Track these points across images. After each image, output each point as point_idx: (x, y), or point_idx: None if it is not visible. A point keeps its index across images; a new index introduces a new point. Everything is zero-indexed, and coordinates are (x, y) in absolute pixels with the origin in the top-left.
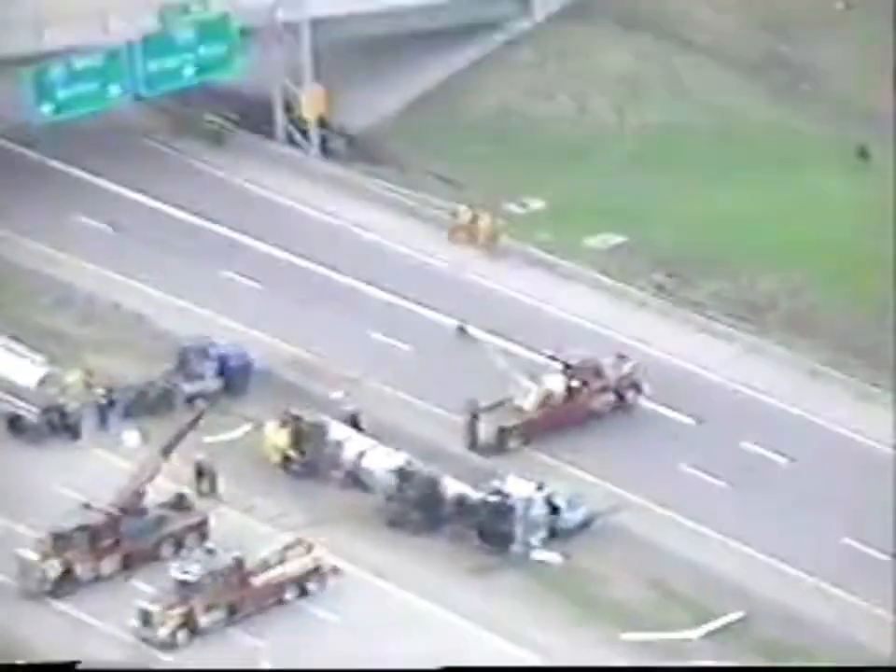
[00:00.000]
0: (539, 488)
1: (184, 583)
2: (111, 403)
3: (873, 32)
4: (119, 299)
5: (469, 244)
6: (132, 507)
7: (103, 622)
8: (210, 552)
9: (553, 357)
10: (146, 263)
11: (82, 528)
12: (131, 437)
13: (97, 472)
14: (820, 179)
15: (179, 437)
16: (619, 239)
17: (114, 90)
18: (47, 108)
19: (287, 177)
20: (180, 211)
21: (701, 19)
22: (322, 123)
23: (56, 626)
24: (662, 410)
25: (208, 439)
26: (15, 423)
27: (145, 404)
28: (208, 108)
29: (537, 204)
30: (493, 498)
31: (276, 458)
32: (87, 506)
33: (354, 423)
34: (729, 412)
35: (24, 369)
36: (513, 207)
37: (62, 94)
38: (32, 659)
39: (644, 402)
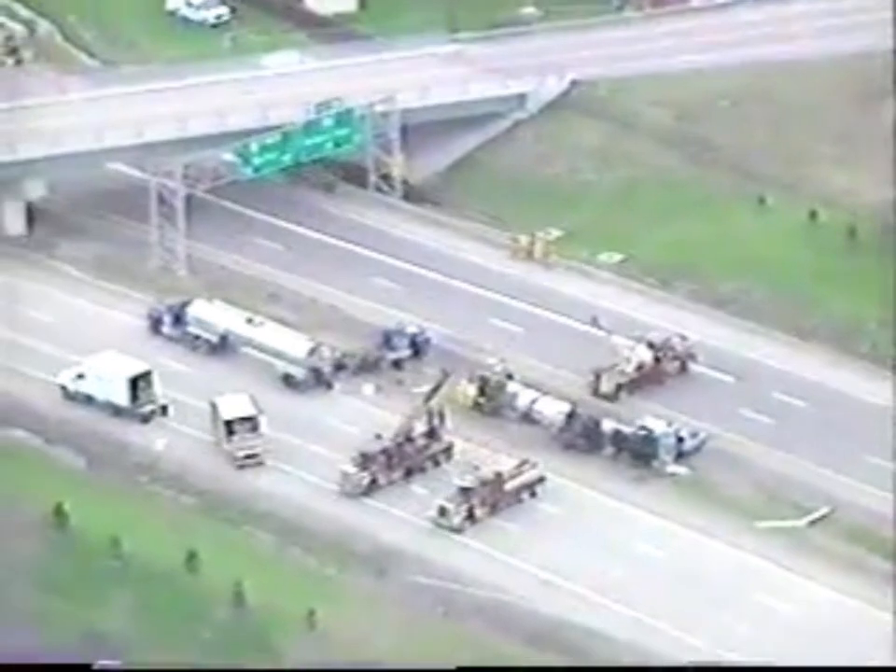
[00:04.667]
0: (669, 424)
1: (464, 489)
2: (343, 366)
3: (752, 118)
4: (313, 295)
5: (528, 260)
6: (407, 436)
7: (399, 510)
8: (476, 467)
9: (639, 338)
10: (313, 270)
11: (382, 451)
12: (367, 388)
13: (346, 411)
14: (734, 217)
15: (435, 390)
16: (619, 256)
17: (287, 158)
18: (248, 170)
19: (377, 213)
20: (319, 234)
21: (640, 112)
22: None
23: (369, 515)
24: (710, 372)
25: (416, 389)
26: (288, 379)
27: (364, 366)
28: (324, 170)
29: (556, 233)
30: (641, 432)
31: (467, 404)
32: (378, 436)
33: (509, 379)
34: (757, 374)
35: (294, 344)
36: (540, 235)
37: (257, 161)
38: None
39: (696, 368)
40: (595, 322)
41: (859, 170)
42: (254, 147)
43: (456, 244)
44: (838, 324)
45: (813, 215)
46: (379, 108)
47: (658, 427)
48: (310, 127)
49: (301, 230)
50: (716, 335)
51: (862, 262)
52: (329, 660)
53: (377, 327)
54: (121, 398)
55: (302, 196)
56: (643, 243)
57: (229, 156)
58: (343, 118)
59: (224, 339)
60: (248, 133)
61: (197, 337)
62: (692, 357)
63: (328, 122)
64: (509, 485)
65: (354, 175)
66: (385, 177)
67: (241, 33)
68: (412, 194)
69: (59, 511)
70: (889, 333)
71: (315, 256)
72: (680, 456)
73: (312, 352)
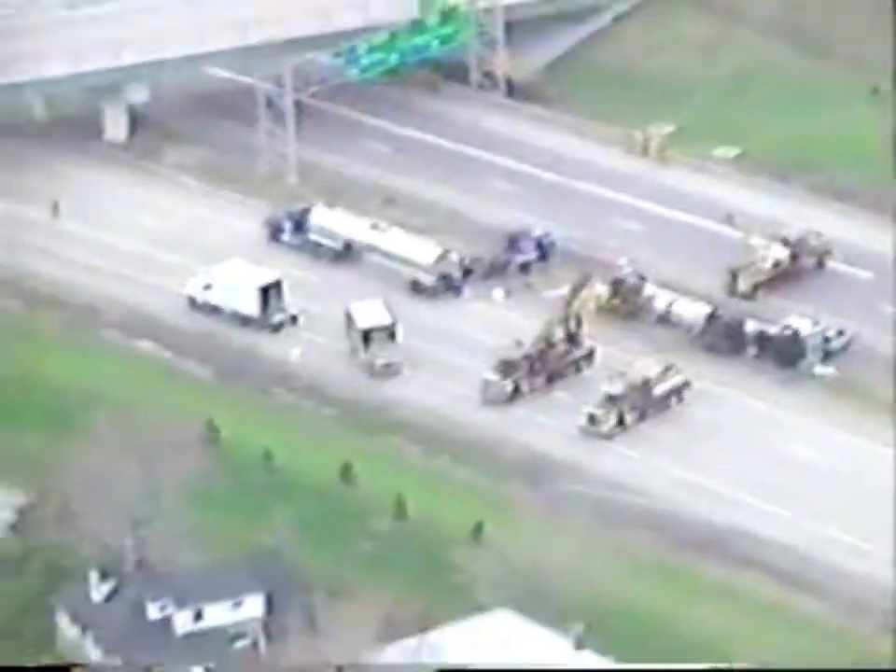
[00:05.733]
0: (815, 323)
1: (612, 395)
2: (471, 271)
3: (859, 6)
4: (432, 198)
5: (643, 156)
6: (548, 342)
7: (545, 418)
8: (622, 374)
9: (774, 235)
10: (426, 172)
11: (525, 357)
12: (497, 293)
13: (477, 318)
14: (848, 108)
15: (574, 294)
16: (735, 150)
17: (394, 58)
18: (354, 72)
19: (483, 112)
20: (428, 135)
21: (747, 2)
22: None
23: (514, 423)
24: (847, 268)
25: (546, 293)
26: (416, 286)
27: (492, 271)
28: (426, 69)
29: (668, 129)
30: (787, 332)
31: (597, 307)
32: (519, 343)
33: (642, 280)
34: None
35: (422, 250)
36: (655, 131)
37: (364, 61)
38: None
39: (832, 264)
40: (729, 220)
41: None
42: (361, 47)
43: (566, 141)
44: None
45: None
46: (482, 5)
47: (804, 326)
48: (416, 26)
49: (409, 131)
50: (846, 229)
51: None
52: (504, 574)
53: (499, 229)
54: (251, 307)
55: (406, 97)
56: (757, 137)
57: (333, 58)
58: (449, 16)
59: (348, 246)
60: (351, 34)
61: (319, 244)
62: (827, 253)
63: (433, 22)
64: (656, 390)
65: (455, 73)
66: (488, 75)
67: None
68: (515, 91)
69: (211, 426)
70: None
71: (427, 158)
72: (827, 356)
73: (440, 258)
